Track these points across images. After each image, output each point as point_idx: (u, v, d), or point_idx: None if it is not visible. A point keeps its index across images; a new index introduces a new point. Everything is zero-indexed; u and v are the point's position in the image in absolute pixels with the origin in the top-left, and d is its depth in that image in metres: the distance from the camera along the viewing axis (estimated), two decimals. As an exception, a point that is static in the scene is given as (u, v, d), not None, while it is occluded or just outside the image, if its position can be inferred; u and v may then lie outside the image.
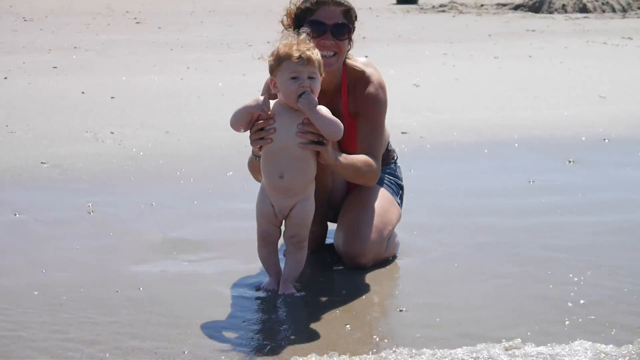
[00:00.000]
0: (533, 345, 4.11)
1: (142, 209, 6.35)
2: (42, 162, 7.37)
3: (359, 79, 5.38)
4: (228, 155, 7.51)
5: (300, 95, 4.73)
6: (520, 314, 4.52)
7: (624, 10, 17.30)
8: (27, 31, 14.65)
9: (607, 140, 8.26)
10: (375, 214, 5.39)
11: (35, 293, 4.77)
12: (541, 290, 4.82)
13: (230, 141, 7.71)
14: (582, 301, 4.65)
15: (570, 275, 5.03)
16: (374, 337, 4.31)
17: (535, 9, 17.56)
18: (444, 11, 17.83)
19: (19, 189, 6.78)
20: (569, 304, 4.62)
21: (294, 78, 4.76)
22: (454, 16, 17.16)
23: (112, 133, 8.19)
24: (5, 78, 10.56)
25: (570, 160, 7.65)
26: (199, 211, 6.32)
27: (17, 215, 6.17)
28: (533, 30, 15.01)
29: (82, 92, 9.78)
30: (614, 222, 6.04)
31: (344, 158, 5.01)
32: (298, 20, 5.32)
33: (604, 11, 17.27)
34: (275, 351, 4.12)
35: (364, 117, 5.32)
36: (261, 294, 4.92)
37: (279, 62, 4.80)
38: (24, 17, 16.36)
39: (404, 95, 9.73)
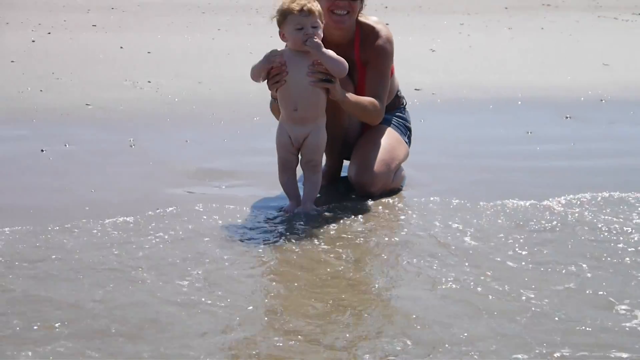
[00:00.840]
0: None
1: (177, 144, 7.12)
2: (86, 104, 8.14)
3: (370, 33, 6.10)
4: (255, 104, 8.22)
5: (306, 41, 5.51)
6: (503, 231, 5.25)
7: (638, -12, 17.89)
8: (66, -8, 15.40)
9: (603, 101, 8.94)
10: (383, 150, 6.13)
11: (87, 208, 5.54)
12: (523, 217, 5.53)
13: (257, 92, 8.39)
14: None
15: (553, 207, 5.73)
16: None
17: (553, -16, 18.16)
18: (464, -16, 18.44)
19: (68, 124, 7.56)
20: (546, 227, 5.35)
21: (299, 29, 5.55)
22: (473, -11, 17.81)
23: (149, 82, 8.93)
24: (49, 33, 11.29)
25: (568, 116, 8.34)
26: (228, 148, 7.09)
27: (67, 146, 6.95)
28: (548, 5, 15.64)
29: (121, 47, 10.50)
30: (601, 166, 6.73)
31: (351, 96, 5.76)
32: None
33: (619, -12, 17.87)
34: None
35: (373, 65, 6.04)
36: (284, 214, 5.68)
37: (284, 16, 5.59)
38: (61, -21, 17.11)
39: (420, 58, 10.42)
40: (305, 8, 5.55)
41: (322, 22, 5.63)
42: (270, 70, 5.60)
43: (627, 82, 9.68)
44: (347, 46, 6.05)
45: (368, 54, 6.06)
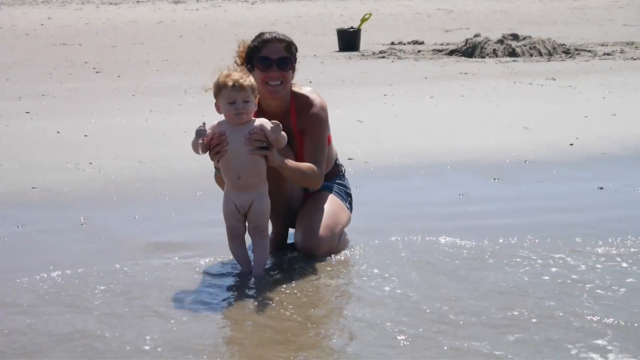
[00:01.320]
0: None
1: (127, 221, 7.39)
2: (33, 187, 8.36)
3: (305, 102, 6.50)
4: (196, 179, 8.51)
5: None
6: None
7: (549, 54, 18.60)
8: (-6, 81, 15.60)
9: (527, 162, 9.41)
10: (327, 215, 6.49)
11: (46, 287, 5.79)
12: (455, 270, 5.97)
13: (197, 168, 8.71)
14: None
15: (484, 261, 6.17)
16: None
17: (469, 54, 18.80)
18: (383, 57, 18.97)
19: (17, 207, 7.78)
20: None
21: (231, 103, 5.91)
22: (393, 61, 18.34)
23: (90, 163, 9.17)
24: (-17, 122, 11.47)
25: (495, 177, 8.78)
26: (176, 222, 7.38)
27: (20, 228, 7.18)
28: (466, 73, 16.23)
29: (57, 132, 10.73)
30: (528, 223, 7.18)
31: (290, 162, 6.12)
32: (248, 58, 6.46)
33: (531, 55, 18.55)
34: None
35: (309, 133, 6.42)
36: (237, 279, 6.01)
37: (218, 90, 5.98)
38: (-12, 69, 17.30)
39: (349, 129, 10.81)
40: (237, 83, 5.93)
41: (255, 96, 6.00)
42: (210, 142, 5.94)
43: (547, 143, 10.18)
44: (283, 116, 6.42)
45: (304, 122, 6.43)
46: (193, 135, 5.88)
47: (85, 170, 8.97)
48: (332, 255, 6.38)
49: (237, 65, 6.48)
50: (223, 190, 6.18)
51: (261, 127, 5.91)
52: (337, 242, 6.51)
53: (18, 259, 6.37)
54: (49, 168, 9.04)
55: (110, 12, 29.64)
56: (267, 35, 6.40)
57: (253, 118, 5.98)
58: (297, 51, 6.50)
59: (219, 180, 6.32)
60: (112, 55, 19.78)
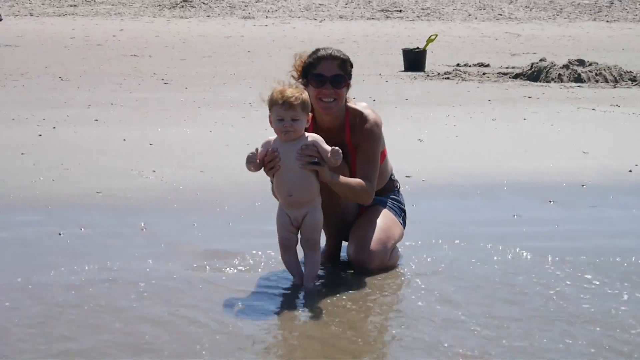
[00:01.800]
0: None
1: (186, 228, 7.59)
2: (97, 192, 8.61)
3: (358, 117, 6.62)
4: (255, 191, 8.66)
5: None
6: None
7: (615, 81, 18.54)
8: (66, 89, 15.95)
9: (584, 186, 9.45)
10: (380, 229, 6.61)
11: (107, 284, 6.03)
12: (513, 289, 6.07)
13: (257, 179, 8.85)
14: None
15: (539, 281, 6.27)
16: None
17: (534, 78, 18.80)
18: (448, 78, 19.05)
19: (81, 211, 8.03)
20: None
21: (280, 120, 6.06)
22: (457, 83, 18.42)
23: (154, 171, 9.41)
24: (54, 128, 11.79)
25: (551, 200, 8.84)
26: (233, 230, 7.57)
27: (83, 230, 7.43)
28: (529, 97, 16.26)
29: (124, 140, 11.00)
30: (579, 247, 7.24)
31: (341, 178, 6.24)
32: (304, 72, 6.60)
33: (597, 81, 18.51)
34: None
35: (362, 148, 6.54)
36: (288, 290, 6.17)
37: (270, 105, 6.13)
38: (60, 77, 17.68)
39: (409, 148, 10.94)
40: (286, 102, 6.06)
41: (306, 113, 6.12)
42: (264, 159, 6.10)
43: (605, 168, 10.21)
44: (337, 131, 6.57)
45: (358, 138, 6.56)
46: (257, 146, 6.05)
47: (149, 178, 9.20)
48: (384, 270, 6.50)
49: (294, 78, 6.64)
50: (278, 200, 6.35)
51: (314, 143, 6.05)
52: (389, 256, 6.63)
53: (78, 260, 6.59)
54: (114, 174, 9.29)
55: (181, 26, 30.08)
56: (322, 52, 6.53)
57: (306, 134, 6.12)
58: (352, 67, 6.61)
59: (275, 192, 6.49)
60: (181, 67, 20.12)
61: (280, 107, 6.04)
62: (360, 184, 6.38)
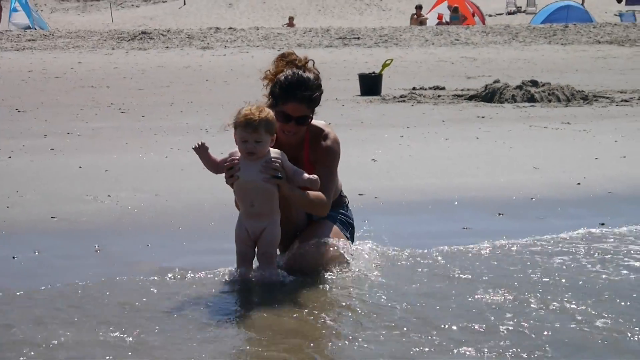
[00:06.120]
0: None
1: (140, 248, 7.69)
2: (52, 217, 8.68)
3: (318, 135, 6.76)
4: (210, 212, 8.81)
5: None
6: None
7: (567, 100, 18.81)
8: (22, 120, 15.99)
9: (533, 199, 9.64)
10: (320, 238, 6.72)
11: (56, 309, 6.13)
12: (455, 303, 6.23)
13: (212, 201, 9.01)
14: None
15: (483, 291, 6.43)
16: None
17: (488, 99, 19.04)
18: (404, 101, 19.25)
19: (35, 235, 8.10)
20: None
21: (243, 141, 6.21)
22: (412, 105, 18.63)
23: (109, 196, 9.49)
24: (9, 157, 11.83)
25: (500, 213, 9.02)
26: (187, 249, 7.68)
27: (37, 253, 7.50)
28: (483, 117, 16.49)
29: (79, 167, 11.07)
30: (528, 256, 7.40)
31: (300, 191, 6.40)
32: (273, 93, 6.69)
33: (550, 101, 18.77)
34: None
35: (321, 164, 6.68)
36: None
37: (235, 127, 6.27)
38: (17, 109, 17.71)
39: (363, 167, 11.09)
40: (250, 124, 6.20)
41: (270, 134, 6.26)
42: (224, 164, 6.27)
43: (556, 182, 10.41)
44: (297, 147, 6.71)
45: (316, 154, 6.70)
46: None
47: (103, 202, 9.28)
48: (319, 272, 6.62)
49: (267, 78, 6.70)
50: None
51: (279, 158, 6.22)
52: (323, 259, 6.69)
53: (31, 282, 6.67)
54: (69, 199, 9.36)
55: (139, 57, 30.13)
56: (292, 92, 6.53)
57: (270, 149, 6.27)
58: (321, 93, 6.71)
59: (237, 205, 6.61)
60: (138, 97, 20.20)
61: (243, 130, 6.19)
62: (318, 196, 6.52)
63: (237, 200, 6.42)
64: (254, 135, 6.20)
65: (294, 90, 6.55)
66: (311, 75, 6.68)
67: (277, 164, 6.26)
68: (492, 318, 5.78)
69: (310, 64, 6.77)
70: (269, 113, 6.30)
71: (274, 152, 6.30)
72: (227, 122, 6.45)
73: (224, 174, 6.38)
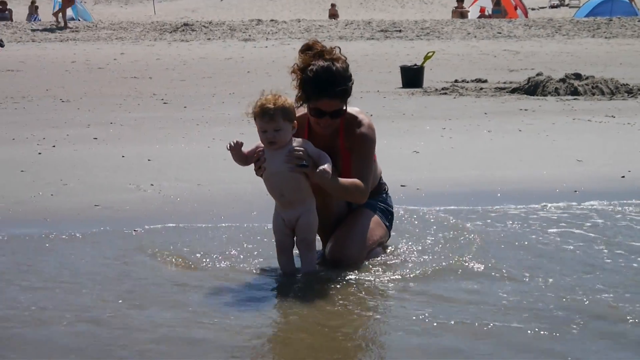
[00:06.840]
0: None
1: (182, 235, 7.71)
2: (95, 205, 8.74)
3: (353, 122, 6.69)
4: (252, 201, 8.82)
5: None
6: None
7: (612, 93, 18.65)
8: (66, 110, 16.10)
9: (577, 192, 9.56)
10: (360, 232, 6.68)
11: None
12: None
13: (253, 190, 9.02)
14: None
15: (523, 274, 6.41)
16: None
17: (531, 92, 18.92)
18: (445, 93, 19.18)
19: (78, 223, 8.15)
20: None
21: (263, 131, 6.19)
22: (454, 97, 18.55)
23: (152, 185, 9.55)
24: (53, 146, 11.93)
25: (544, 204, 8.97)
26: (229, 237, 7.68)
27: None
28: (526, 110, 16.39)
29: (122, 156, 11.14)
30: (571, 245, 7.39)
31: (333, 179, 6.29)
32: (303, 86, 6.52)
33: (593, 94, 18.62)
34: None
35: (357, 151, 6.61)
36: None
37: (254, 117, 6.25)
38: (61, 99, 17.85)
39: (405, 159, 11.06)
40: (266, 114, 6.17)
41: (290, 121, 6.18)
42: (252, 156, 6.27)
43: (598, 175, 10.32)
44: (331, 135, 6.65)
45: (352, 141, 6.63)
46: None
47: (146, 191, 9.33)
48: (357, 268, 6.57)
49: (294, 72, 6.56)
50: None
51: (303, 146, 6.19)
52: (364, 256, 6.68)
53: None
54: (112, 188, 9.42)
55: (181, 49, 30.26)
56: (324, 90, 6.39)
57: (293, 138, 6.25)
58: (352, 83, 6.59)
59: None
60: (181, 88, 20.30)
61: (261, 119, 6.18)
62: (354, 183, 6.45)
63: (269, 191, 6.41)
64: (271, 124, 6.16)
65: (326, 87, 6.41)
66: (340, 67, 6.49)
67: (300, 152, 6.20)
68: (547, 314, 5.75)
69: (336, 52, 6.61)
70: (286, 100, 6.22)
71: (297, 142, 6.26)
72: (245, 112, 6.40)
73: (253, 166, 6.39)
